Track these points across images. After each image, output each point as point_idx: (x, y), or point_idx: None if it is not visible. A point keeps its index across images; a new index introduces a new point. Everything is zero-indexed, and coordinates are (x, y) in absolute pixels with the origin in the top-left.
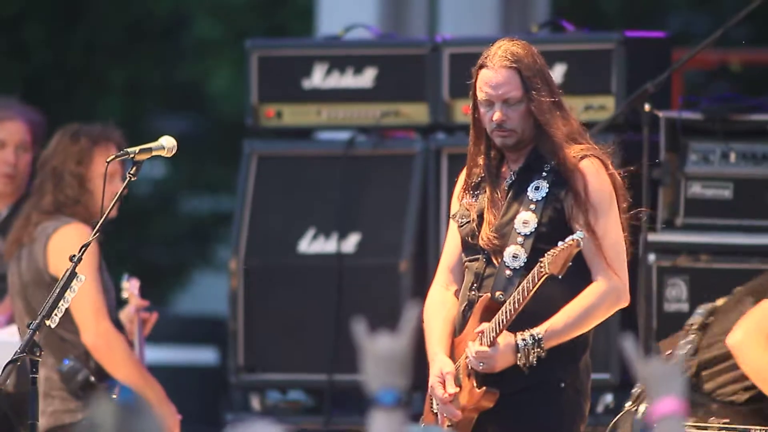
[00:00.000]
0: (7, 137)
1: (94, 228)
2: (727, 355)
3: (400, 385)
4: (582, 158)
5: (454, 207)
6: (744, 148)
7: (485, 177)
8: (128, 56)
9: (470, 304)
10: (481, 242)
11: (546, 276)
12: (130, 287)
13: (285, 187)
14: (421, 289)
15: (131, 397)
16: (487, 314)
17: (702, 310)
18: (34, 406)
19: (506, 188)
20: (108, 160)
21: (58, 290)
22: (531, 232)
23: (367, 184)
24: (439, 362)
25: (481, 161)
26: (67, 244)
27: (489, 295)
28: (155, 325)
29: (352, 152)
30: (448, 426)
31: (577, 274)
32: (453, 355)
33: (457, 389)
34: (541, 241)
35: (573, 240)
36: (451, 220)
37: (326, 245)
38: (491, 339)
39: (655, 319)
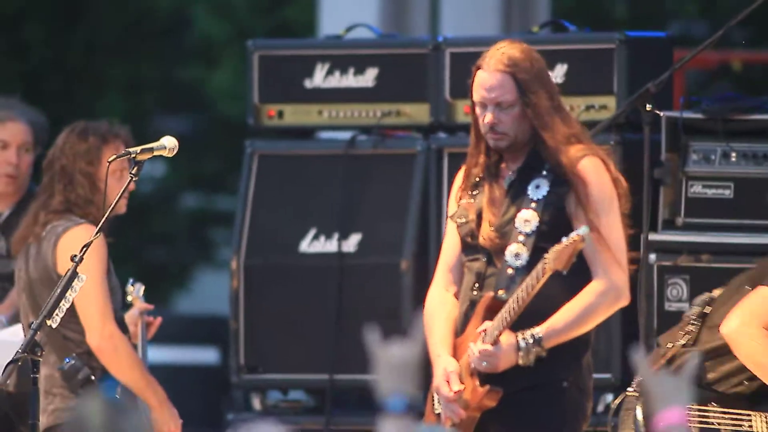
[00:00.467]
0: (9, 138)
1: (98, 228)
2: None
3: (410, 393)
4: (582, 157)
5: (452, 208)
6: (745, 148)
7: (484, 176)
8: (128, 55)
9: (472, 304)
10: (481, 241)
11: (551, 272)
12: (135, 292)
13: (286, 187)
14: (422, 288)
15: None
16: (490, 313)
17: (699, 300)
18: (35, 406)
19: (506, 187)
20: (110, 160)
21: (59, 290)
22: (532, 231)
23: (369, 184)
24: (443, 362)
25: (480, 160)
26: (77, 245)
27: (492, 294)
28: None
29: (353, 152)
30: (451, 426)
31: (577, 272)
32: (455, 356)
33: (462, 387)
34: (542, 240)
35: (578, 235)
36: (449, 221)
37: (327, 245)
38: (494, 337)
39: (656, 319)
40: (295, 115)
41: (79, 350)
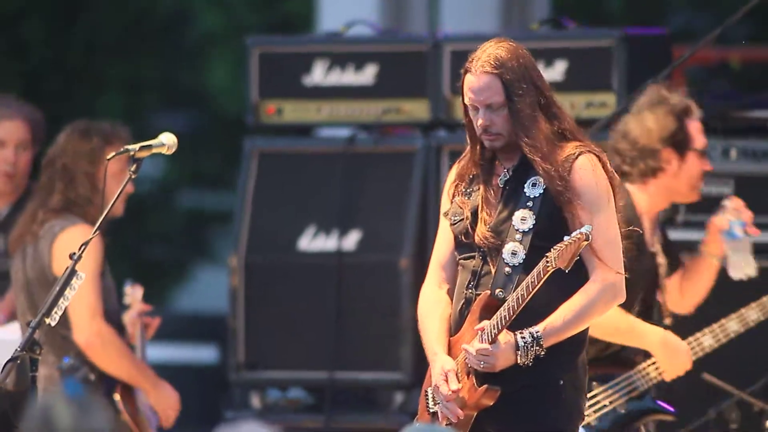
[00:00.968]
0: (6, 136)
1: (97, 226)
2: None
3: None
4: (578, 155)
5: (445, 205)
6: (744, 145)
7: (479, 174)
8: (128, 54)
9: (468, 302)
10: (476, 240)
11: (553, 270)
12: (133, 293)
13: (285, 184)
14: (421, 286)
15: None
16: (487, 312)
17: None
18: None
19: (501, 185)
20: (109, 157)
21: (58, 288)
22: (529, 229)
23: (368, 181)
24: (440, 360)
25: (475, 158)
26: (73, 245)
27: (488, 292)
28: None
29: (352, 149)
30: (447, 424)
31: (574, 271)
32: (450, 354)
33: (461, 386)
34: (539, 238)
35: (581, 234)
36: (442, 218)
37: (327, 242)
38: (492, 336)
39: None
40: (294, 112)
41: (76, 350)
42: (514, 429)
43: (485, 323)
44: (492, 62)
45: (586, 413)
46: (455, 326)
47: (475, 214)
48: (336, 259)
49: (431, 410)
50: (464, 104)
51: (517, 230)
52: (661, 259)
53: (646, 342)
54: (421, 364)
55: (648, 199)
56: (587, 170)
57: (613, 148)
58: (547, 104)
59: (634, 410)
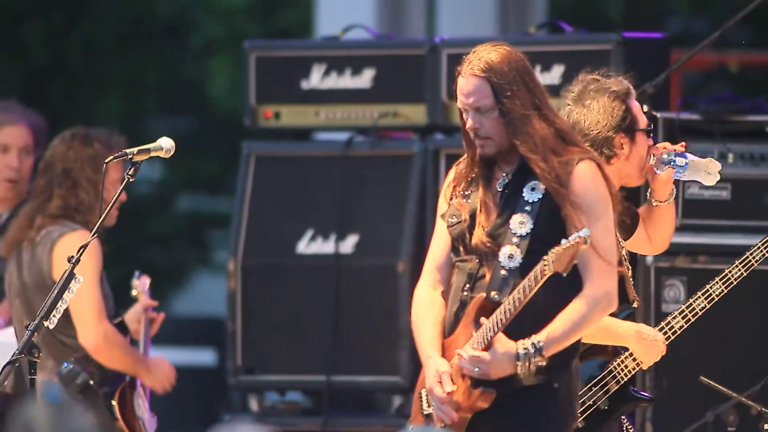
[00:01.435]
0: (10, 141)
1: (95, 229)
2: None
3: None
4: (579, 161)
5: (442, 206)
6: (742, 149)
7: (478, 178)
8: (127, 57)
9: (463, 305)
10: (473, 243)
11: (550, 274)
12: (141, 285)
13: (283, 188)
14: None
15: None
16: (482, 314)
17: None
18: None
19: (500, 189)
20: (106, 161)
21: (56, 292)
22: (527, 233)
23: (365, 185)
24: (434, 363)
25: (474, 161)
26: (73, 251)
27: (484, 295)
28: None
29: (350, 153)
30: (441, 426)
31: (570, 274)
32: (444, 357)
33: (455, 388)
34: (536, 242)
35: (579, 237)
36: (438, 219)
37: (324, 246)
38: (488, 339)
39: (653, 320)
40: (292, 116)
41: (76, 355)
42: (506, 430)
43: (484, 321)
44: (481, 65)
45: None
46: (450, 329)
47: (473, 217)
48: (334, 262)
49: (425, 412)
50: (459, 107)
51: (515, 234)
52: (622, 243)
53: (621, 339)
54: (418, 367)
55: None
56: (587, 177)
57: None
58: (542, 108)
59: (616, 403)
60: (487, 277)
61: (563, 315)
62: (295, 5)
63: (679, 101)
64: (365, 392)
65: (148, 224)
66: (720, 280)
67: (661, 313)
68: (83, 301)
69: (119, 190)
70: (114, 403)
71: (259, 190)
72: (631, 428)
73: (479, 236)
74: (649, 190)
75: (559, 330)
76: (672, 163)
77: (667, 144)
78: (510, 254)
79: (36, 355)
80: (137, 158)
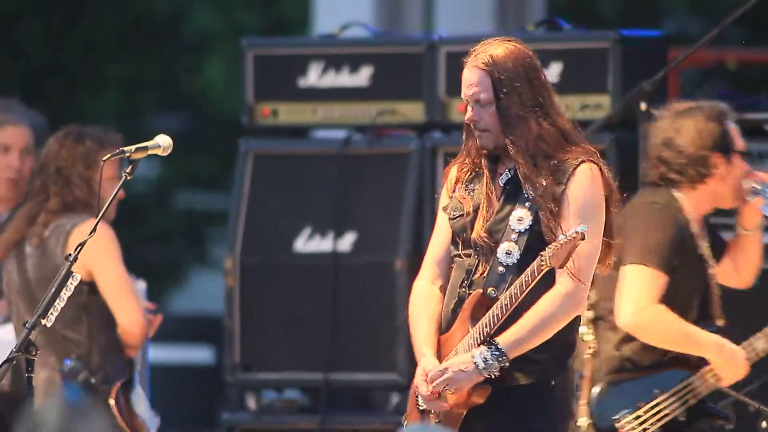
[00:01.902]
0: (11, 141)
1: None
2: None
3: None
4: (581, 163)
5: (444, 200)
6: None
7: (482, 172)
8: (125, 55)
9: (461, 301)
10: (473, 237)
11: (547, 269)
12: (136, 289)
13: (281, 186)
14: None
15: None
16: (478, 310)
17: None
18: (29, 405)
19: (502, 185)
20: (104, 159)
21: (54, 289)
22: (525, 230)
23: (363, 183)
24: (423, 361)
25: (477, 155)
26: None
27: (480, 291)
28: None
29: (347, 151)
30: (436, 422)
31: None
32: (440, 352)
33: (440, 387)
34: (535, 239)
35: (576, 233)
36: (440, 212)
37: (322, 244)
38: (484, 335)
39: None
40: (289, 114)
41: (78, 351)
42: (504, 429)
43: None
44: (485, 59)
45: (648, 422)
46: (447, 324)
47: (476, 211)
48: (331, 260)
49: (421, 407)
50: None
51: (514, 230)
52: (712, 262)
53: (703, 350)
54: (416, 364)
55: (695, 204)
56: (585, 180)
57: (657, 157)
58: (545, 106)
59: (693, 416)
60: (485, 273)
61: (528, 314)
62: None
63: (677, 99)
64: (363, 390)
65: (145, 222)
66: None
67: None
68: (119, 287)
69: (117, 188)
70: (111, 402)
71: (257, 187)
72: None
73: (478, 231)
74: (738, 216)
75: (523, 330)
76: (763, 194)
77: (760, 176)
78: (508, 251)
79: (33, 353)
80: (135, 156)
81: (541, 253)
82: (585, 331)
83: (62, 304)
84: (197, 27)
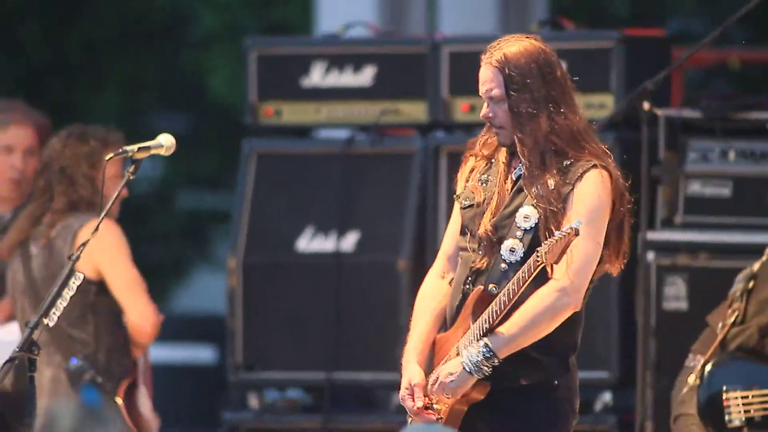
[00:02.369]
0: (14, 142)
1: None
2: None
3: None
4: (590, 168)
5: (459, 187)
6: (743, 147)
7: (499, 164)
8: (127, 54)
9: (464, 297)
10: (479, 231)
11: (542, 265)
12: None
13: (284, 186)
14: (419, 287)
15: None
16: (480, 307)
17: (742, 276)
18: (32, 405)
19: (514, 180)
20: (107, 158)
21: (56, 288)
22: (531, 228)
23: (366, 183)
24: (408, 372)
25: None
26: (96, 240)
27: (482, 287)
28: None
29: (351, 150)
30: (438, 418)
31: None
32: (441, 350)
33: (425, 401)
34: (540, 237)
35: (570, 229)
36: (455, 204)
37: (325, 243)
38: (483, 330)
39: (654, 318)
40: (293, 113)
41: (84, 351)
42: (506, 428)
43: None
44: (498, 56)
45: (753, 407)
46: (451, 320)
47: (487, 203)
48: (334, 260)
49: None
50: None
51: (519, 227)
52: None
53: None
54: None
55: None
56: (591, 184)
57: None
58: (559, 104)
59: None
60: (488, 269)
61: (518, 312)
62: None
63: (680, 99)
64: (366, 389)
65: (148, 222)
66: None
67: (662, 310)
68: (131, 285)
69: (120, 187)
70: (119, 400)
71: (260, 187)
72: None
73: (485, 224)
74: None
75: (513, 328)
76: None
77: None
78: (512, 248)
79: (36, 353)
80: (137, 156)
81: (538, 249)
82: (737, 296)
83: (65, 304)
84: (200, 26)
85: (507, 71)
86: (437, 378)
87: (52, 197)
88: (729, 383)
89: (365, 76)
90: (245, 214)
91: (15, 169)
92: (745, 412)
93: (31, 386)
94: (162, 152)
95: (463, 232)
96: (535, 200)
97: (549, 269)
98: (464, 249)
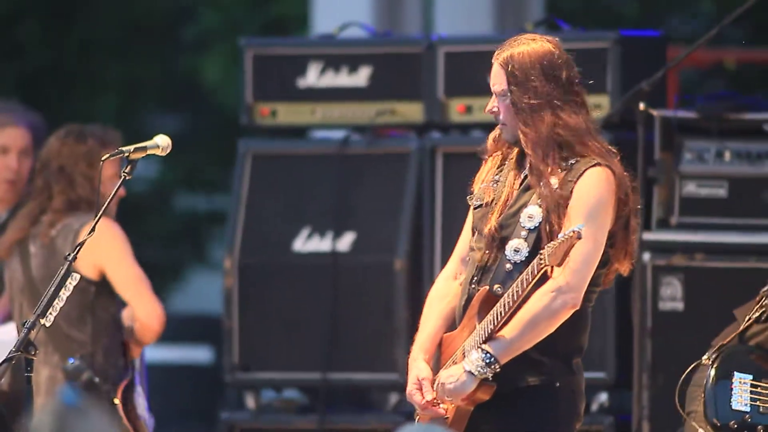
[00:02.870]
0: (9, 143)
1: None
2: None
3: None
4: (592, 166)
5: (475, 187)
6: (739, 147)
7: (509, 165)
8: (124, 54)
9: (470, 298)
10: (486, 231)
11: (545, 268)
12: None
13: (280, 186)
14: (416, 287)
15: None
16: (485, 307)
17: None
18: (29, 404)
19: (522, 179)
20: (103, 159)
21: (53, 288)
22: (535, 227)
23: (362, 183)
24: (416, 368)
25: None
26: (97, 239)
27: (487, 288)
28: None
29: (347, 151)
30: (445, 418)
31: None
32: (447, 349)
33: (434, 395)
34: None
35: (573, 232)
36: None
37: (321, 244)
38: (489, 332)
39: (650, 318)
40: (288, 114)
41: (83, 351)
42: (506, 428)
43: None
44: (504, 54)
45: (761, 398)
46: (459, 320)
47: (495, 203)
48: (330, 260)
49: (417, 414)
50: None
51: (524, 227)
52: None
53: None
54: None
55: None
56: (592, 181)
57: None
58: (564, 103)
59: None
60: (493, 269)
61: (517, 315)
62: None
63: (675, 99)
64: (362, 390)
65: (144, 222)
66: None
67: (658, 311)
68: (135, 282)
69: (116, 187)
70: (117, 401)
71: (256, 188)
72: None
73: (492, 224)
74: None
75: (514, 331)
76: None
77: None
78: (516, 248)
79: (33, 353)
80: (133, 156)
81: (541, 251)
82: (764, 294)
83: (61, 304)
84: (196, 26)
85: (510, 68)
86: (440, 384)
87: (50, 196)
88: (740, 370)
89: (361, 77)
90: (241, 214)
91: (10, 169)
92: (752, 400)
93: (28, 386)
94: (158, 152)
95: (473, 233)
96: (540, 199)
97: (549, 270)
98: (473, 249)
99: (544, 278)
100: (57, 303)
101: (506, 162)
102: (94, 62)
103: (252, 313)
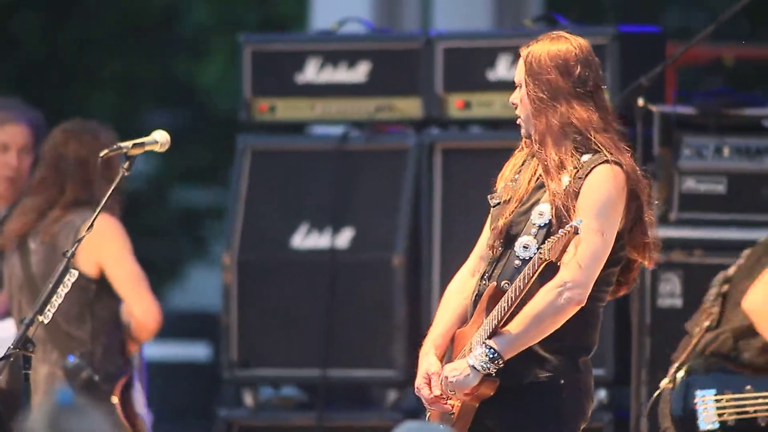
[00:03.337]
0: (9, 140)
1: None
2: None
3: None
4: (601, 163)
5: (498, 185)
6: (738, 143)
7: (529, 163)
8: (121, 50)
9: (480, 294)
10: (498, 229)
11: (545, 263)
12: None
13: (278, 182)
14: (414, 284)
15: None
16: (492, 303)
17: (716, 280)
18: (27, 402)
19: (537, 177)
20: (101, 155)
21: (51, 285)
22: (545, 224)
23: (361, 179)
24: (426, 362)
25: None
26: (97, 235)
27: (495, 284)
28: None
29: (345, 147)
30: (450, 415)
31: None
32: (458, 344)
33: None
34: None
35: (571, 227)
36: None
37: (320, 240)
38: (493, 326)
39: (649, 315)
40: (287, 109)
41: (82, 349)
42: (512, 425)
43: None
44: (529, 47)
45: (727, 411)
46: (470, 316)
47: (511, 201)
48: (329, 256)
49: (426, 408)
50: None
51: (534, 224)
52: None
53: None
54: (414, 361)
55: None
56: (601, 177)
57: None
58: (580, 99)
59: None
60: (503, 265)
61: (522, 311)
62: None
63: (674, 95)
64: (360, 386)
65: (142, 218)
66: None
67: (657, 307)
68: (134, 280)
69: (114, 184)
70: (114, 400)
71: (255, 184)
72: None
73: (502, 221)
74: None
75: (518, 327)
76: None
77: None
78: (525, 244)
79: (31, 350)
80: (132, 152)
81: (541, 246)
82: (711, 300)
83: (60, 301)
84: (193, 22)
85: (528, 63)
86: (444, 376)
87: (62, 191)
88: (702, 387)
89: (359, 73)
90: (239, 210)
91: (10, 167)
92: (718, 416)
93: (26, 383)
94: (157, 149)
95: (491, 230)
96: (551, 196)
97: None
98: (488, 246)
99: (551, 272)
100: (56, 300)
101: (526, 161)
102: (90, 58)
103: (250, 310)
